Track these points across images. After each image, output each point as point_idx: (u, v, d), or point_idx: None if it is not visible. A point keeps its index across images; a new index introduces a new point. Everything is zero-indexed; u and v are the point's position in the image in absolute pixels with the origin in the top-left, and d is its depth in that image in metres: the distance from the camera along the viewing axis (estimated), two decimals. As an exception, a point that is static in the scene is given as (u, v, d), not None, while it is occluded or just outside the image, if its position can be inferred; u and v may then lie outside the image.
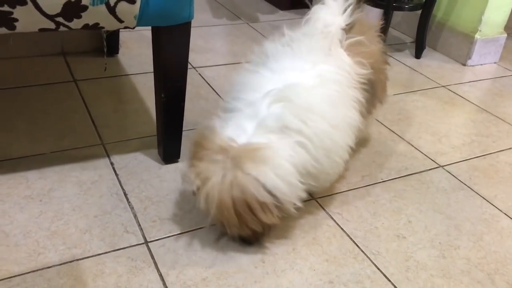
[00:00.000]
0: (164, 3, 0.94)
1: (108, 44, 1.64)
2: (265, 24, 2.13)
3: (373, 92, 1.11)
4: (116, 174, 1.13)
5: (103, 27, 0.93)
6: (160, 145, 1.19)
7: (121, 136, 1.26)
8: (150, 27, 1.01)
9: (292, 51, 1.03)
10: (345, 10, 1.08)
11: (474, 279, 0.95)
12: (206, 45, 1.85)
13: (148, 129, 1.30)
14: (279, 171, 0.87)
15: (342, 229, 1.04)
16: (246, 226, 0.88)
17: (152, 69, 1.59)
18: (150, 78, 1.55)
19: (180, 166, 1.17)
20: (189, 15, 0.99)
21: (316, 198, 1.12)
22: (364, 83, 1.05)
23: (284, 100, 0.93)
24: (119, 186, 1.09)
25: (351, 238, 1.02)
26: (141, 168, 1.16)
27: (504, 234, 1.07)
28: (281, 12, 2.29)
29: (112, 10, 0.90)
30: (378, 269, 0.95)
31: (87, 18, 0.89)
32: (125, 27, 0.95)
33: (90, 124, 1.30)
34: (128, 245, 0.95)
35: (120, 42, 1.70)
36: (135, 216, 1.02)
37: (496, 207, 1.15)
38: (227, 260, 0.94)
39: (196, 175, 0.88)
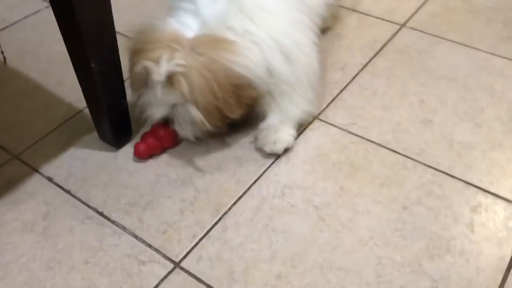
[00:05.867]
0: None
1: None
2: None
3: None
4: (66, 191, 0.81)
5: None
6: (100, 126, 0.87)
7: (32, 136, 0.90)
8: None
9: None
10: None
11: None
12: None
13: (58, 114, 0.95)
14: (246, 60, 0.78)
15: (368, 140, 0.88)
16: (242, 104, 0.80)
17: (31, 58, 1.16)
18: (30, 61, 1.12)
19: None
20: None
21: (316, 117, 0.92)
22: None
23: None
24: (83, 205, 0.79)
25: (386, 147, 0.87)
26: (93, 167, 0.84)
27: (507, 76, 1.00)
28: None
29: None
30: (435, 169, 0.83)
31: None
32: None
33: (-24, 136, 0.90)
34: (158, 280, 0.69)
35: None
36: (135, 237, 0.74)
37: (481, 50, 1.06)
38: (284, 238, 0.73)
39: (156, 59, 0.75)
